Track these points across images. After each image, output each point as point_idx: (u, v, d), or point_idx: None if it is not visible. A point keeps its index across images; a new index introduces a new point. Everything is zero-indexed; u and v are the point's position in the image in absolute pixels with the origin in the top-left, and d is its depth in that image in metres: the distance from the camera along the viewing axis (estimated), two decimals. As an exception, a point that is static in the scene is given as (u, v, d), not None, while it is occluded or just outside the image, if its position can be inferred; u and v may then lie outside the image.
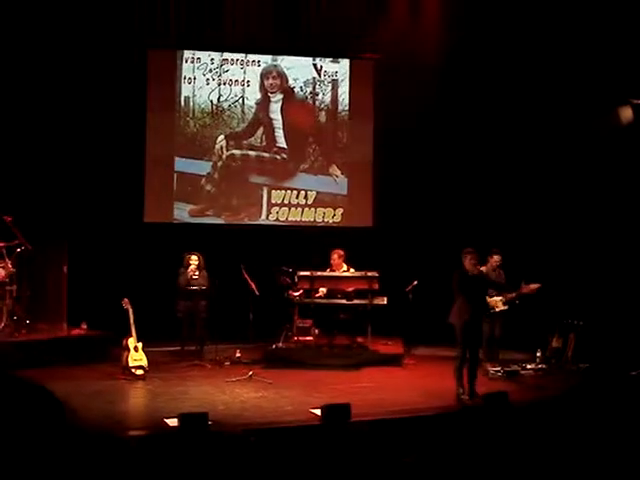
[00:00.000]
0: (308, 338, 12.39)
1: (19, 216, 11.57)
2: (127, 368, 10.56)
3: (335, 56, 14.81)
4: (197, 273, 11.87)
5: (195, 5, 14.10)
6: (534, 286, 10.80)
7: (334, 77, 14.81)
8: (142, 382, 10.42)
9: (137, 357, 10.60)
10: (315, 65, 14.75)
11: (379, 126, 14.72)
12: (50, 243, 11.89)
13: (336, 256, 12.34)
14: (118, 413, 8.57)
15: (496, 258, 11.36)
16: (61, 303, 12.18)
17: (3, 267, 11.29)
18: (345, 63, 14.84)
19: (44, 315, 12.23)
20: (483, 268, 10.52)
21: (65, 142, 13.28)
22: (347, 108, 14.86)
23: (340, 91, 14.83)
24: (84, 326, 12.20)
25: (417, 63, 14.29)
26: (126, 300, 10.76)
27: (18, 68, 12.91)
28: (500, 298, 11.16)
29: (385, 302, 11.96)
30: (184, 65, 14.28)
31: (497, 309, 11.18)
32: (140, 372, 10.56)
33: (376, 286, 11.93)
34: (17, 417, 0.88)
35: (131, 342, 10.62)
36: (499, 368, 11.02)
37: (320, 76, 14.77)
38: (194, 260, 11.92)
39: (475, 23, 14.14)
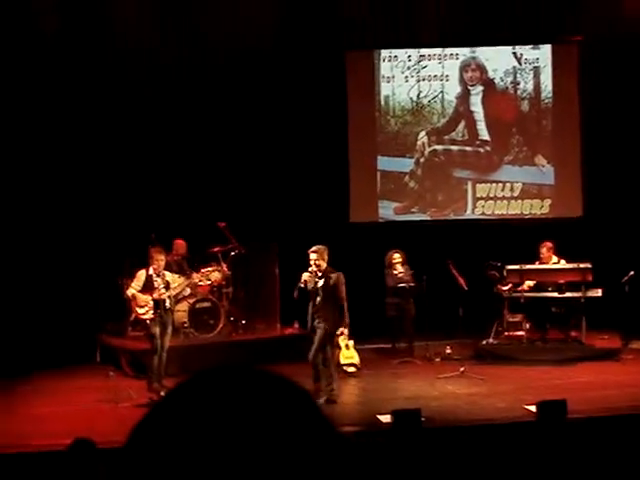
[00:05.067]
0: (519, 333, 12.09)
1: (232, 221, 12.10)
2: (339, 366, 10.76)
3: (535, 42, 14.37)
4: (402, 270, 11.91)
5: (390, 3, 14.18)
6: None
7: (535, 64, 14.38)
8: (354, 379, 10.59)
9: (348, 355, 10.79)
10: (515, 53, 14.39)
11: (586, 111, 14.15)
12: (262, 246, 12.33)
13: (545, 249, 11.99)
14: (331, 410, 8.75)
15: None
16: (274, 303, 12.58)
17: (219, 270, 11.81)
18: (546, 49, 14.36)
19: (259, 315, 12.71)
20: None
21: (271, 148, 13.74)
22: (550, 95, 14.39)
23: (542, 78, 14.38)
24: (296, 325, 12.53)
25: (625, 43, 13.62)
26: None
27: (222, 79, 13.52)
28: None
29: (600, 294, 11.48)
30: (382, 64, 14.37)
31: None
32: (352, 369, 10.74)
33: (590, 278, 11.47)
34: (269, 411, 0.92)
35: (342, 340, 10.81)
36: None
37: (520, 64, 14.38)
38: (397, 258, 11.97)
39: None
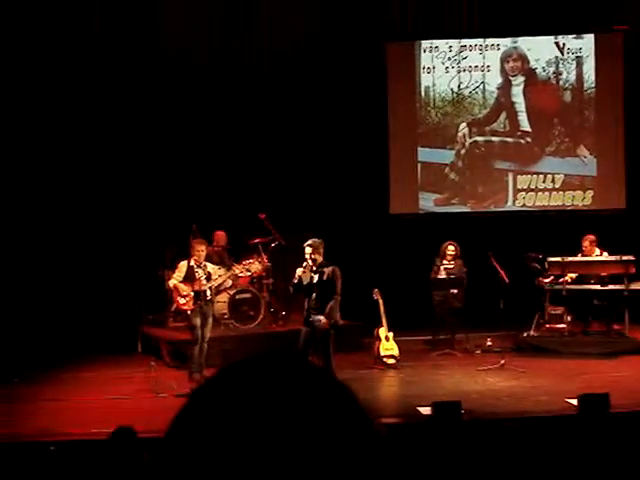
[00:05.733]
0: (561, 325, 11.97)
1: (273, 213, 12.14)
2: (379, 357, 10.77)
3: (578, 32, 14.19)
4: (452, 262, 11.87)
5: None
6: None
7: (578, 54, 14.20)
8: (394, 371, 10.59)
9: (388, 346, 10.79)
10: (557, 43, 14.22)
11: (629, 102, 13.95)
12: (301, 237, 12.35)
13: (587, 241, 11.87)
14: (371, 401, 8.77)
15: None
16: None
17: (260, 262, 11.86)
18: (590, 38, 14.17)
19: (298, 307, 12.72)
20: None
21: (312, 140, 13.77)
22: (593, 85, 14.21)
23: (585, 68, 14.19)
24: (337, 317, 12.54)
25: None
26: (376, 291, 10.98)
27: (265, 71, 13.58)
28: None
29: (643, 287, 11.35)
30: (422, 55, 14.30)
31: None
32: (392, 361, 10.74)
33: (632, 270, 11.34)
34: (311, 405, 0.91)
35: (382, 332, 10.81)
36: None
37: (563, 54, 14.22)
38: (450, 250, 11.92)
39: None
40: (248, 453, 1.00)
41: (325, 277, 9.20)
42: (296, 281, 9.30)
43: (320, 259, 9.25)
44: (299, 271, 9.28)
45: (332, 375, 1.10)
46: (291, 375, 1.07)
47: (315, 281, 9.21)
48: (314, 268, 9.24)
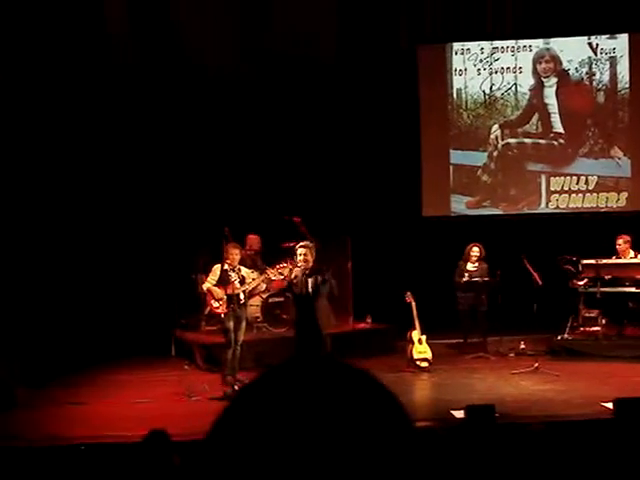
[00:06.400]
0: (595, 328, 11.86)
1: (305, 216, 12.17)
2: (412, 360, 10.75)
3: (612, 32, 14.07)
4: (476, 265, 11.82)
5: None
6: None
7: (612, 54, 14.08)
8: (427, 374, 10.56)
9: (421, 349, 10.76)
10: (590, 44, 14.11)
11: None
12: (335, 240, 12.37)
13: (622, 242, 11.76)
14: (405, 404, 8.74)
15: None
16: (347, 298, 12.60)
17: (293, 266, 11.86)
18: (623, 38, 14.04)
19: (331, 309, 12.73)
20: None
21: (346, 143, 13.80)
22: (627, 86, 14.08)
23: (619, 68, 14.07)
24: (369, 320, 12.54)
25: None
26: (409, 293, 10.97)
27: (297, 75, 13.62)
28: None
29: (679, 289, 11.23)
30: (454, 57, 14.26)
31: None
32: (425, 364, 10.71)
33: (668, 272, 11.22)
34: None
35: (415, 335, 10.79)
36: None
37: (596, 55, 14.10)
38: (475, 252, 11.87)
39: None
40: (290, 456, 1.00)
41: (320, 281, 9.16)
42: (295, 280, 9.20)
43: (311, 262, 9.22)
44: (296, 270, 9.23)
45: (372, 376, 1.10)
46: (332, 377, 1.07)
47: (309, 287, 9.15)
48: (307, 271, 9.18)
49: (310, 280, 9.17)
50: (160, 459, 4.72)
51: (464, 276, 11.80)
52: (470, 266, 11.85)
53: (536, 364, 10.46)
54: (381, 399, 1.08)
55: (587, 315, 11.93)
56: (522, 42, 14.19)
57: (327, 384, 1.06)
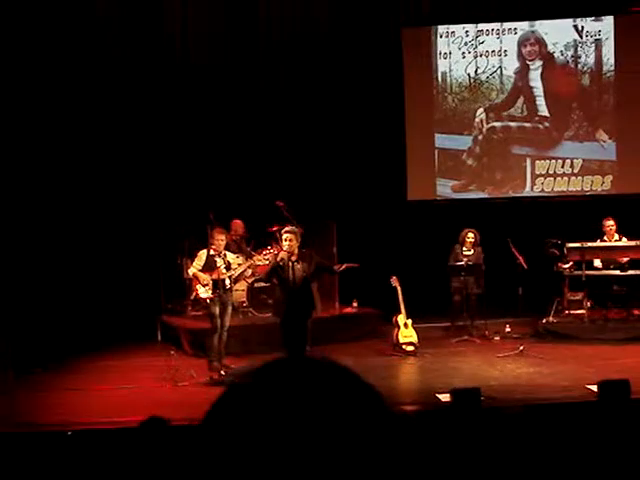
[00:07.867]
0: (580, 311, 11.93)
1: (290, 200, 12.13)
2: (398, 345, 10.77)
3: (597, 14, 14.03)
4: (471, 250, 11.82)
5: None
6: None
7: (597, 37, 14.05)
8: (413, 358, 10.59)
9: (407, 334, 10.79)
10: (575, 26, 14.08)
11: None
12: (320, 225, 12.35)
13: (611, 223, 11.80)
14: (390, 388, 8.78)
15: None
16: (332, 282, 12.60)
17: (278, 250, 11.85)
18: (609, 20, 14.01)
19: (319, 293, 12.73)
20: None
21: (329, 126, 13.75)
22: (612, 69, 14.07)
23: (604, 51, 14.04)
24: (355, 304, 12.55)
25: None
26: (394, 278, 10.97)
27: (279, 59, 13.56)
28: None
29: (663, 272, 11.29)
30: (439, 40, 14.21)
31: None
32: (411, 348, 10.74)
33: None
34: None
35: (401, 319, 10.81)
36: None
37: (581, 37, 14.08)
38: (470, 237, 11.86)
39: None
40: (281, 445, 1.05)
41: (306, 267, 9.10)
42: (281, 264, 9.13)
43: (296, 247, 9.15)
44: (283, 254, 9.15)
45: (357, 376, 1.15)
46: (322, 376, 1.13)
47: (295, 272, 9.09)
48: (293, 258, 9.13)
49: (298, 267, 9.12)
50: (157, 445, 4.69)
51: (459, 260, 11.76)
52: (465, 250, 11.83)
53: (521, 347, 10.51)
54: (359, 390, 1.13)
55: (572, 298, 11.99)
56: (507, 25, 14.15)
57: (311, 379, 1.12)
